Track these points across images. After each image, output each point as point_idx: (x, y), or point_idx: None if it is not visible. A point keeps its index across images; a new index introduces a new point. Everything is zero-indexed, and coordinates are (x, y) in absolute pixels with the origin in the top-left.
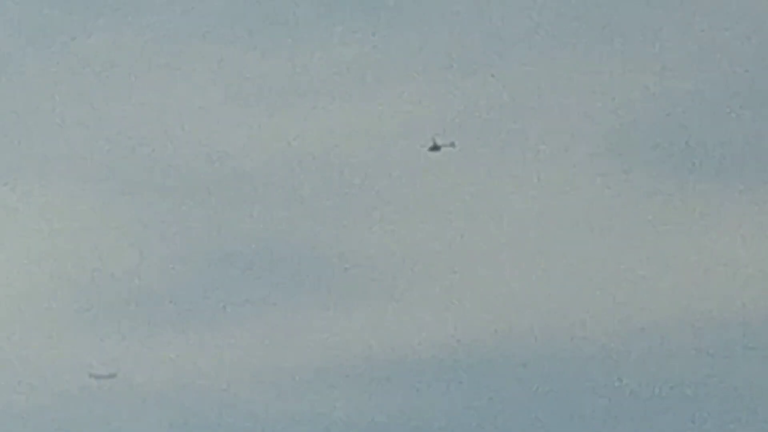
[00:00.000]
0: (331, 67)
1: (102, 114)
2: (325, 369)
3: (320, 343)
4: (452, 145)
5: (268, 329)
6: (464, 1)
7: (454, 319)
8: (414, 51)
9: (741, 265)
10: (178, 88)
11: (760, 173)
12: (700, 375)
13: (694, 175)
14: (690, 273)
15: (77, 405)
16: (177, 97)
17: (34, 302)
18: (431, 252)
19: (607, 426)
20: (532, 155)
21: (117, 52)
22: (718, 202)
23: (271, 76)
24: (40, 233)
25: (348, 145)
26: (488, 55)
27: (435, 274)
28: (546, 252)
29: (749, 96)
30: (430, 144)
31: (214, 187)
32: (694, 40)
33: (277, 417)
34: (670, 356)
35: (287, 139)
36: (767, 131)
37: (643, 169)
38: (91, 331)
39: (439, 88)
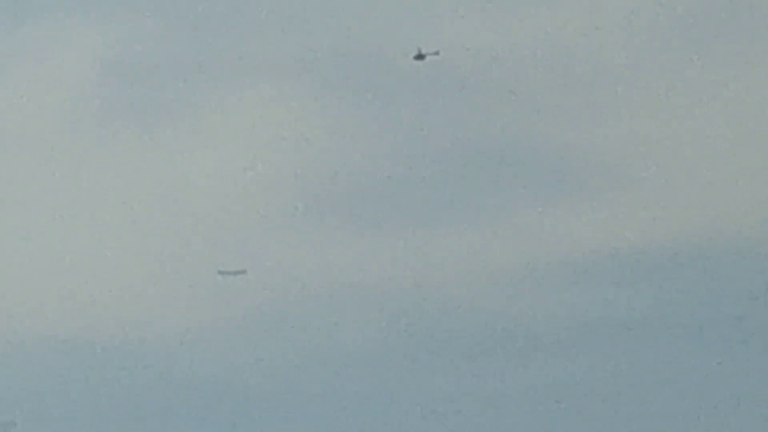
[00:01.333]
0: None
1: (316, 13)
2: (550, 266)
3: (543, 240)
4: (437, 53)
5: (488, 227)
6: None
7: (686, 212)
8: None
9: None
10: None
11: None
12: None
13: None
14: None
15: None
16: None
17: (246, 199)
18: (659, 147)
19: None
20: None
21: None
22: None
23: None
24: (252, 131)
25: (573, 43)
26: None
27: (665, 168)
28: None
29: None
30: (416, 53)
31: (429, 84)
32: None
33: (501, 315)
34: None
35: (506, 36)
36: None
37: None
38: (303, 230)
39: None
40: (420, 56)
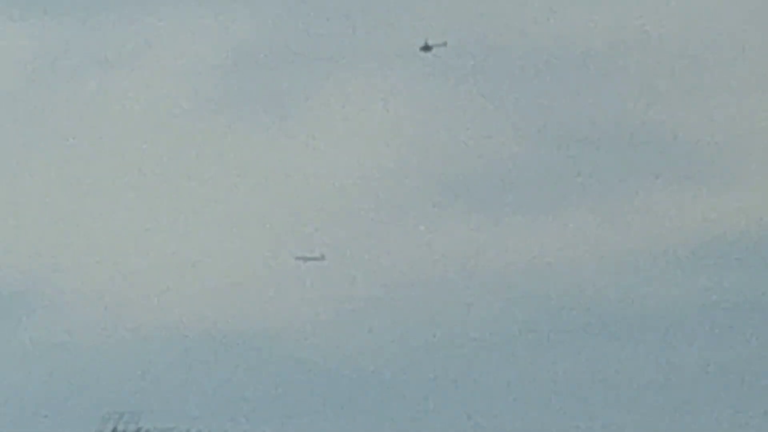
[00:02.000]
0: None
1: (429, 4)
2: (674, 250)
3: (666, 225)
4: (444, 44)
5: (608, 210)
6: None
7: None
8: None
9: None
10: None
11: None
12: None
13: None
14: None
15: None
16: None
17: (366, 186)
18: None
19: None
20: None
21: None
22: None
23: None
24: (382, 116)
25: (689, 27)
26: None
27: None
28: None
29: None
30: (422, 44)
31: (557, 69)
32: None
33: (623, 300)
34: None
35: (632, 21)
36: None
37: None
38: (422, 216)
39: None
40: (427, 47)
